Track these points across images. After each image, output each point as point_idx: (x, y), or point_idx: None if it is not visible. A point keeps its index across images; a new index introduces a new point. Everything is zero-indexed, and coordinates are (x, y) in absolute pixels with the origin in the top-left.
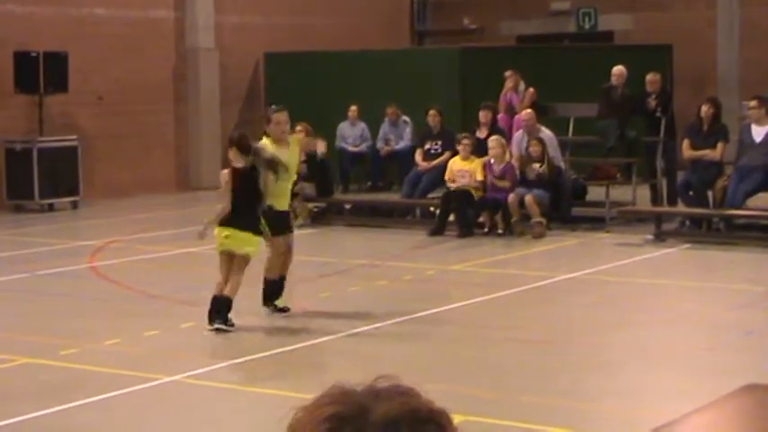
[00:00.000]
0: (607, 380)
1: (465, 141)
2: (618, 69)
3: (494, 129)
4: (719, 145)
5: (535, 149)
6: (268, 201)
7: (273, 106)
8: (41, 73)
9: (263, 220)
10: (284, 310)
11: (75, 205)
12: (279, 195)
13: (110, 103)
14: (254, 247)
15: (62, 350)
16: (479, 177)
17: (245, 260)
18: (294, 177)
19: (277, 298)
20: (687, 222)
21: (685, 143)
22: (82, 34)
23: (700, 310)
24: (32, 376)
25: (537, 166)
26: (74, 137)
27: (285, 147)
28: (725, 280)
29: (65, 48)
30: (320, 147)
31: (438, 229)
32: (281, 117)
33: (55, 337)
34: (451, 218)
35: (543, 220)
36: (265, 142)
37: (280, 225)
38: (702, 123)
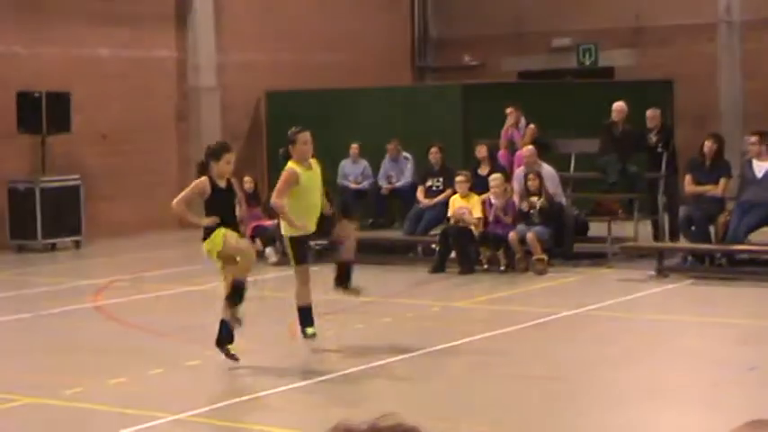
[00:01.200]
0: (610, 416)
1: (459, 179)
2: (618, 105)
3: (495, 165)
4: (722, 181)
5: (533, 183)
6: (289, 231)
7: (294, 128)
8: (44, 113)
9: (288, 249)
10: (314, 335)
11: (77, 245)
12: (304, 218)
13: (113, 143)
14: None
15: (67, 389)
16: (477, 214)
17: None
18: (319, 201)
19: (310, 324)
20: (689, 258)
21: (687, 178)
22: (84, 74)
23: (703, 346)
24: (37, 416)
25: (534, 199)
26: (76, 176)
27: (309, 168)
28: (728, 315)
29: (67, 88)
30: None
31: (439, 266)
32: (307, 136)
33: (59, 376)
34: (453, 254)
35: (545, 257)
36: (291, 165)
37: (303, 253)
38: (705, 159)
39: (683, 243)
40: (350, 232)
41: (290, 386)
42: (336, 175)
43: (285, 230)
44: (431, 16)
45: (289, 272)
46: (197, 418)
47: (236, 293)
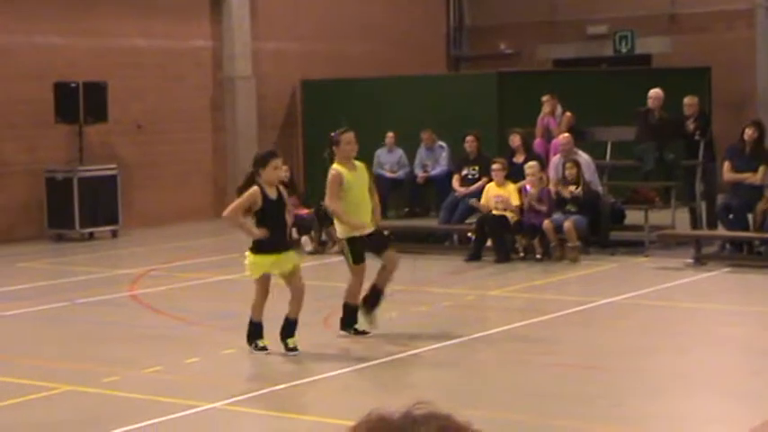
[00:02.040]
0: (648, 404)
1: (495, 167)
2: (654, 92)
3: (530, 154)
4: (762, 168)
5: (570, 172)
6: (345, 232)
7: (338, 129)
8: (81, 103)
9: (345, 249)
10: (364, 332)
11: (114, 234)
12: (356, 216)
13: (148, 132)
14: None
15: (104, 378)
16: (515, 202)
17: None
18: (367, 198)
19: (356, 322)
20: (727, 246)
21: (726, 165)
22: (121, 64)
23: (741, 334)
24: (75, 404)
25: (572, 188)
26: (113, 166)
27: (353, 169)
28: (766, 303)
29: (104, 78)
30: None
31: (474, 255)
32: (351, 137)
33: (97, 365)
34: (489, 243)
35: (579, 245)
36: (336, 166)
37: (360, 252)
38: (745, 146)
39: (720, 231)
40: (394, 265)
41: (325, 375)
42: (372, 164)
43: (341, 232)
44: (466, 5)
45: (324, 260)
46: (233, 406)
47: (287, 330)
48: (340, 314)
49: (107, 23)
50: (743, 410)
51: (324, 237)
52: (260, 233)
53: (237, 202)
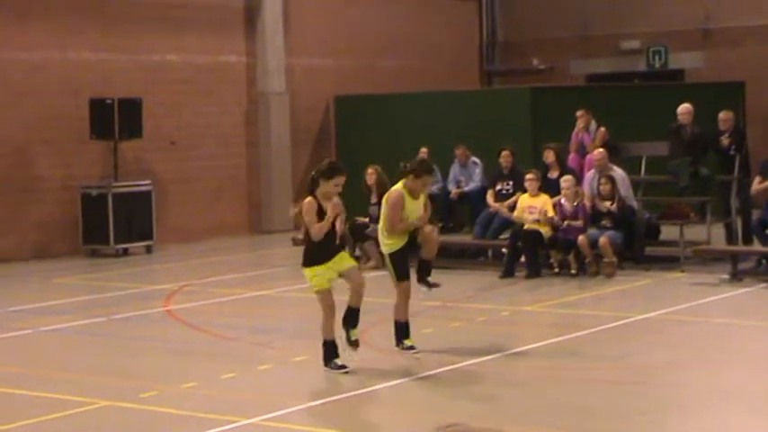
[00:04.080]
0: (688, 421)
1: (529, 177)
2: (685, 107)
3: (564, 169)
4: None
5: (605, 188)
6: (389, 248)
7: (418, 163)
8: (116, 119)
9: (390, 266)
10: (411, 347)
11: (149, 249)
12: (400, 243)
13: (182, 148)
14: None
15: (141, 393)
16: (551, 213)
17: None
18: (420, 223)
19: (407, 338)
20: (764, 261)
21: (757, 179)
22: (155, 80)
23: None
24: (113, 419)
25: (608, 204)
26: (148, 182)
27: (416, 197)
28: None
29: (138, 94)
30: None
31: (507, 272)
32: (428, 181)
33: (133, 380)
34: (522, 258)
35: (615, 260)
36: (399, 188)
37: (404, 267)
38: None
39: (756, 246)
40: (428, 237)
41: (362, 390)
42: None
43: (384, 248)
44: (499, 19)
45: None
46: (271, 422)
47: (350, 318)
48: (377, 329)
49: (142, 39)
50: None
51: (357, 252)
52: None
53: (307, 219)
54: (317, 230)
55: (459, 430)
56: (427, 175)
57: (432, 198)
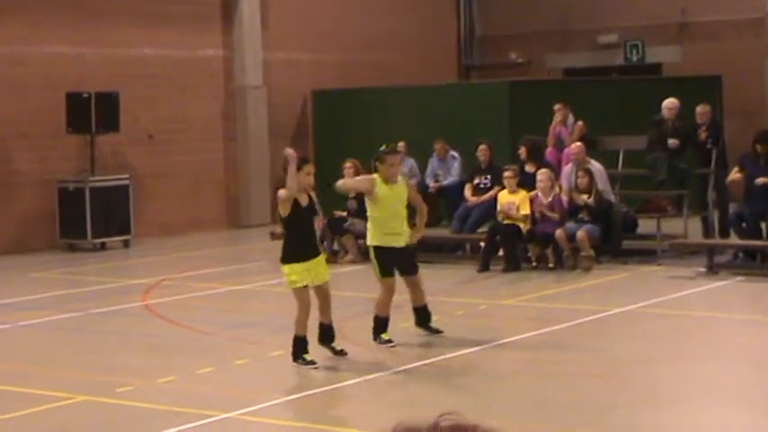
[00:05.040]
0: (664, 414)
1: (507, 174)
2: (671, 102)
3: (542, 163)
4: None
5: (582, 181)
6: (374, 241)
7: (384, 147)
8: (93, 113)
9: (373, 260)
10: (389, 341)
11: (126, 244)
12: (388, 233)
13: (160, 142)
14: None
15: (118, 387)
16: (525, 211)
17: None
18: (402, 215)
19: (384, 332)
20: (740, 255)
21: (734, 170)
22: (132, 74)
23: (755, 344)
24: (89, 414)
25: (585, 197)
26: (125, 176)
27: (393, 182)
28: None
29: (115, 88)
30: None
31: (484, 265)
32: (396, 160)
33: (110, 375)
34: (500, 252)
35: (592, 254)
36: (376, 176)
37: (389, 265)
38: (759, 156)
39: (733, 240)
40: (416, 288)
41: (340, 384)
42: None
43: (370, 239)
44: (476, 14)
45: (336, 269)
46: (248, 416)
47: (326, 337)
48: (355, 323)
49: (119, 33)
50: (757, 420)
51: (336, 246)
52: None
53: (280, 203)
54: (286, 191)
55: (454, 419)
56: (388, 155)
57: None
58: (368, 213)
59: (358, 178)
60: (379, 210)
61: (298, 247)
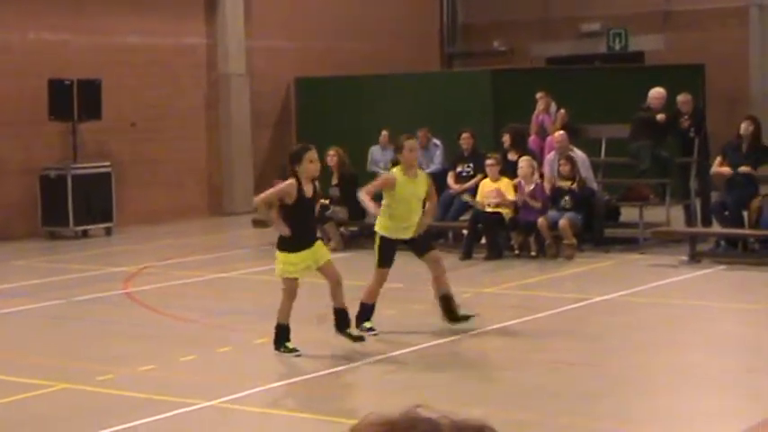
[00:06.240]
0: (647, 402)
1: (489, 162)
2: (658, 92)
3: (525, 151)
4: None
5: (565, 168)
6: (382, 230)
7: (403, 135)
8: (75, 100)
9: (376, 248)
10: (371, 329)
11: (108, 231)
12: (399, 226)
13: (142, 130)
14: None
15: (98, 376)
16: (510, 197)
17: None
18: (417, 209)
19: (368, 320)
20: (722, 243)
21: (717, 160)
22: (115, 62)
23: (737, 332)
24: (70, 402)
25: (568, 184)
26: (107, 163)
27: (414, 177)
28: (762, 301)
29: (98, 75)
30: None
31: (466, 253)
32: (413, 144)
33: (91, 363)
34: (483, 240)
35: (574, 242)
36: (395, 170)
37: (389, 257)
38: (741, 142)
39: (715, 228)
40: (437, 264)
41: (322, 372)
42: (366, 161)
43: (378, 227)
44: (459, 2)
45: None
46: (230, 404)
47: (342, 322)
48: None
49: (101, 21)
50: (739, 408)
51: (318, 234)
52: (285, 231)
53: (270, 191)
54: (259, 199)
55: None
56: (406, 140)
57: None
58: (383, 201)
59: (376, 182)
60: (396, 203)
61: (297, 237)
